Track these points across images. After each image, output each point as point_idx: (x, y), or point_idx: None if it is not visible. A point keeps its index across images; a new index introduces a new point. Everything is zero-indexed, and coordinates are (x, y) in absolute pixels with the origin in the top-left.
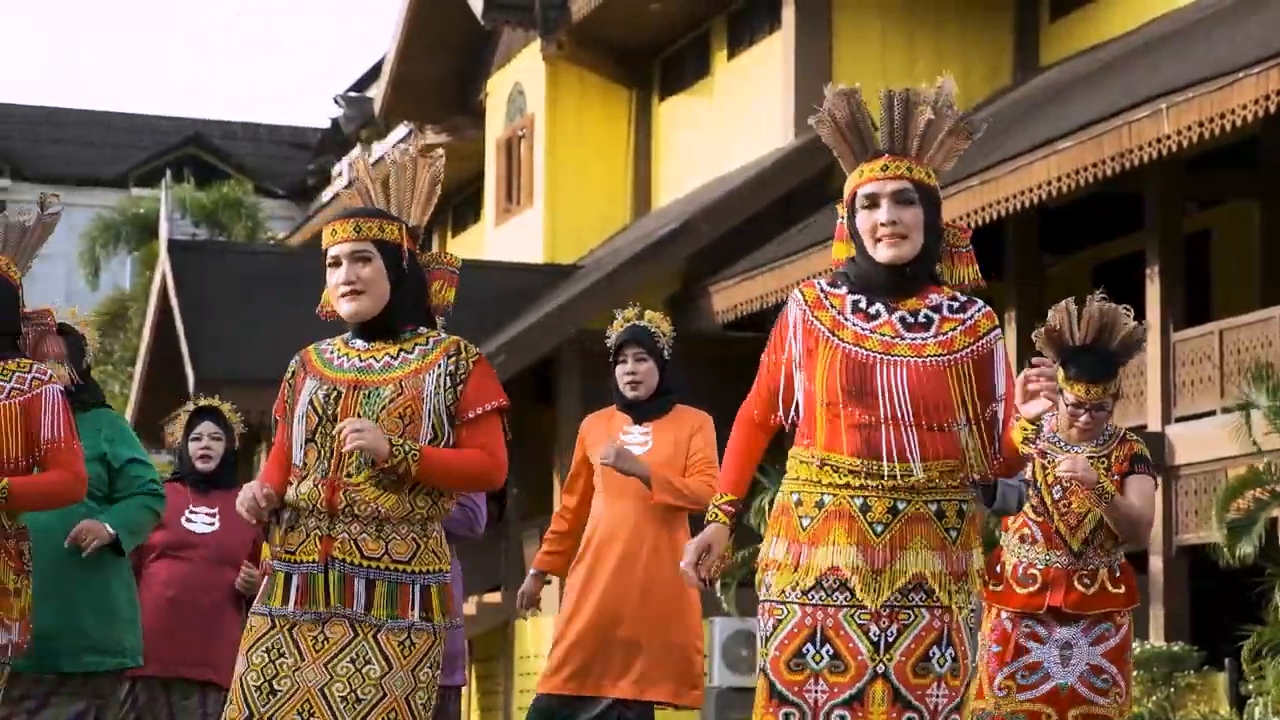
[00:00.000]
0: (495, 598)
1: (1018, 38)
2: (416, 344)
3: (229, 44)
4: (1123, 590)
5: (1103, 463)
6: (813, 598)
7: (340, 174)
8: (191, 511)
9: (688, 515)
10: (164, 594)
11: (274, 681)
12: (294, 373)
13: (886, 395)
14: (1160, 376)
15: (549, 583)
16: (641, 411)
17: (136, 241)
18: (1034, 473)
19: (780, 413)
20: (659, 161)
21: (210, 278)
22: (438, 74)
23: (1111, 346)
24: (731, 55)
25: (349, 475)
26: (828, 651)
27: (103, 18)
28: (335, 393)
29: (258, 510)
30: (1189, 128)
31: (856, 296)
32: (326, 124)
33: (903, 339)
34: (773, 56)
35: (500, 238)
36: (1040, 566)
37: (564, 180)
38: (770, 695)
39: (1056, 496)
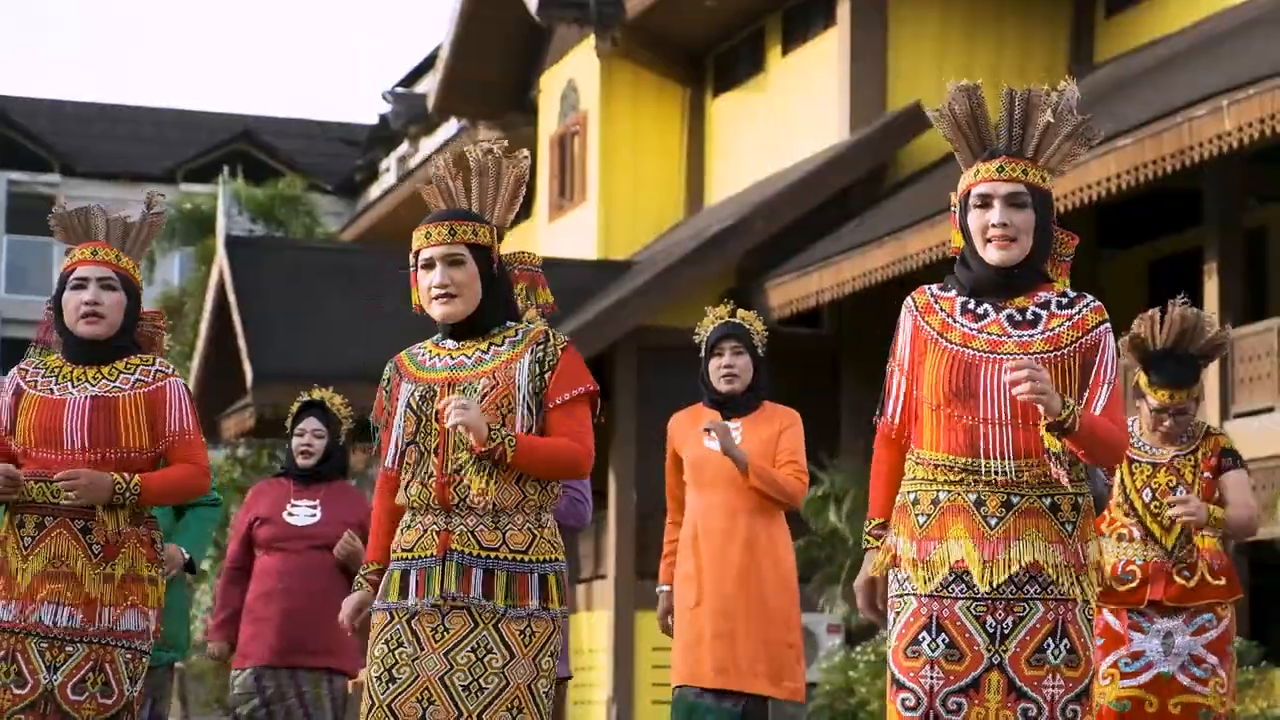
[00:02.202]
0: None
1: (1073, 33)
2: (506, 337)
3: (277, 40)
4: (1223, 582)
5: (1189, 460)
6: (930, 590)
7: (388, 169)
8: (293, 505)
9: (784, 511)
10: (275, 586)
11: (393, 670)
12: (389, 379)
13: (988, 393)
14: (1219, 372)
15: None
16: (732, 407)
17: (189, 237)
18: (1121, 478)
19: (901, 420)
20: (713, 158)
21: (267, 273)
22: (491, 70)
23: (1193, 350)
24: (786, 51)
25: (455, 469)
26: (943, 640)
27: (150, 13)
28: (431, 392)
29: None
30: (1250, 124)
31: (965, 298)
32: (375, 120)
33: (1010, 337)
34: (828, 53)
35: (554, 234)
36: (1139, 562)
37: (618, 177)
38: (891, 682)
39: (1147, 500)
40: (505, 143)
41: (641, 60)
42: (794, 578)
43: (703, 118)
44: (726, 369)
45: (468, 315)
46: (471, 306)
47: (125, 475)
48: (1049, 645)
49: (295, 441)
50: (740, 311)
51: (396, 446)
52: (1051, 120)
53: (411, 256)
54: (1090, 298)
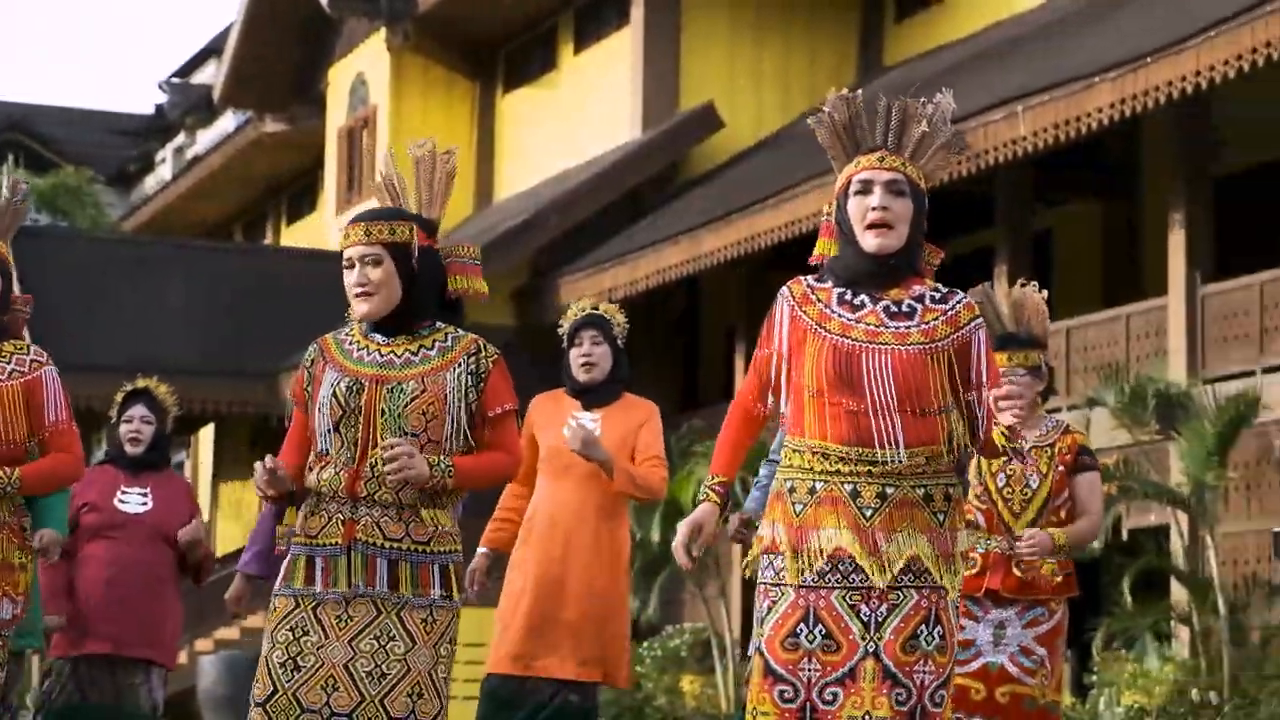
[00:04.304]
0: None
1: (862, 37)
2: (435, 340)
3: (48, 28)
4: (1060, 579)
5: (1046, 452)
6: (805, 580)
7: (164, 160)
8: (124, 493)
9: (629, 507)
10: (102, 574)
11: (298, 658)
12: (313, 360)
13: (872, 382)
14: None
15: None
16: (592, 397)
17: None
18: (978, 462)
19: (770, 403)
20: (502, 155)
21: (52, 265)
22: (278, 61)
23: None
24: (579, 49)
25: (372, 467)
26: (820, 631)
27: None
28: (358, 385)
29: (272, 481)
30: (1044, 129)
31: (842, 289)
32: (150, 110)
33: (887, 327)
34: (621, 52)
35: (341, 227)
36: (980, 550)
37: (406, 171)
38: (766, 673)
39: (1001, 484)
40: (434, 141)
41: (432, 55)
42: (628, 573)
43: (493, 114)
44: (585, 358)
45: (390, 312)
46: (391, 304)
47: (6, 470)
48: (922, 632)
49: (123, 429)
50: (602, 305)
51: (322, 434)
52: (927, 130)
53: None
54: (961, 294)
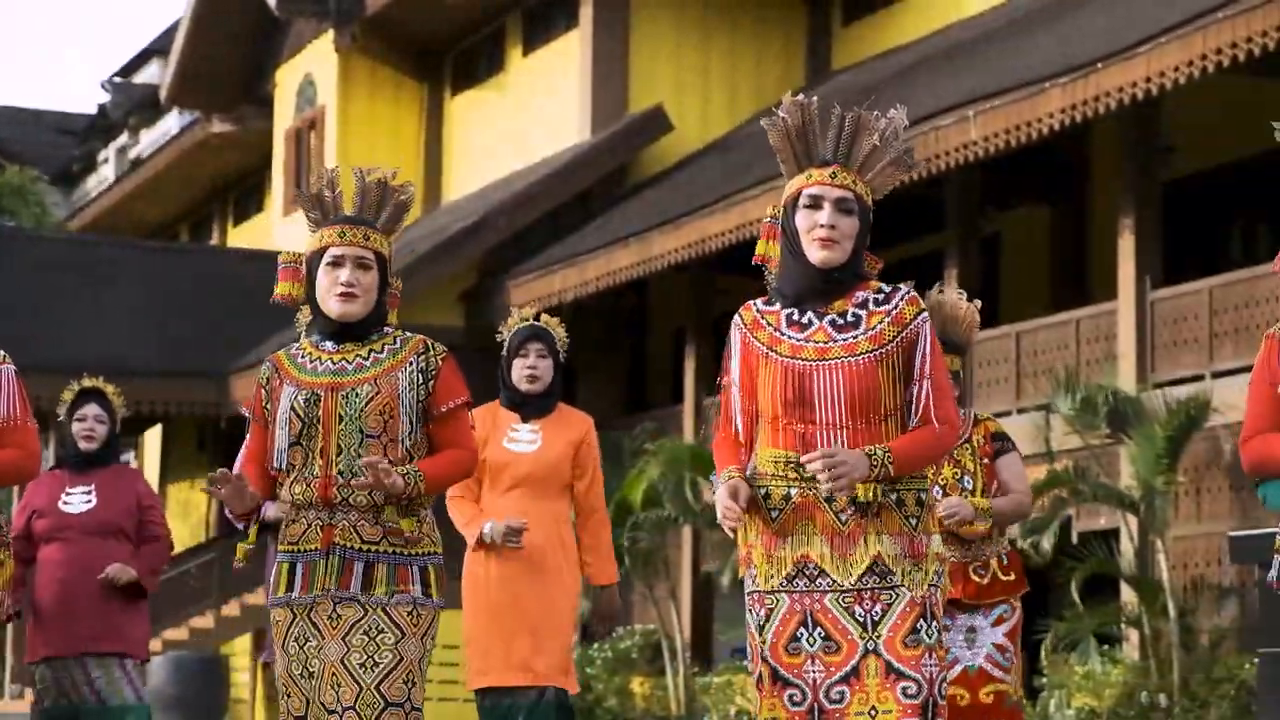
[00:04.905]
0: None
1: (810, 40)
2: (385, 344)
3: None
4: (1013, 577)
5: (966, 448)
6: (797, 585)
7: (107, 160)
8: (67, 494)
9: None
10: (55, 576)
11: (308, 665)
12: (268, 378)
13: (824, 400)
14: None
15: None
16: (531, 409)
17: None
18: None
19: (738, 430)
20: (450, 156)
21: (4, 265)
22: (226, 62)
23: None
24: (527, 51)
25: (339, 473)
26: (820, 634)
27: None
28: (314, 396)
29: (237, 494)
30: (995, 134)
31: (790, 310)
32: (93, 109)
33: (835, 341)
34: (570, 54)
35: (288, 229)
36: None
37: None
38: (773, 679)
39: (939, 496)
40: (386, 170)
41: (380, 56)
42: (579, 580)
43: (441, 115)
44: (530, 369)
45: (361, 318)
46: (367, 310)
47: None
48: (922, 626)
49: (76, 427)
50: (544, 316)
51: (283, 449)
52: (878, 144)
53: (310, 253)
54: (905, 289)
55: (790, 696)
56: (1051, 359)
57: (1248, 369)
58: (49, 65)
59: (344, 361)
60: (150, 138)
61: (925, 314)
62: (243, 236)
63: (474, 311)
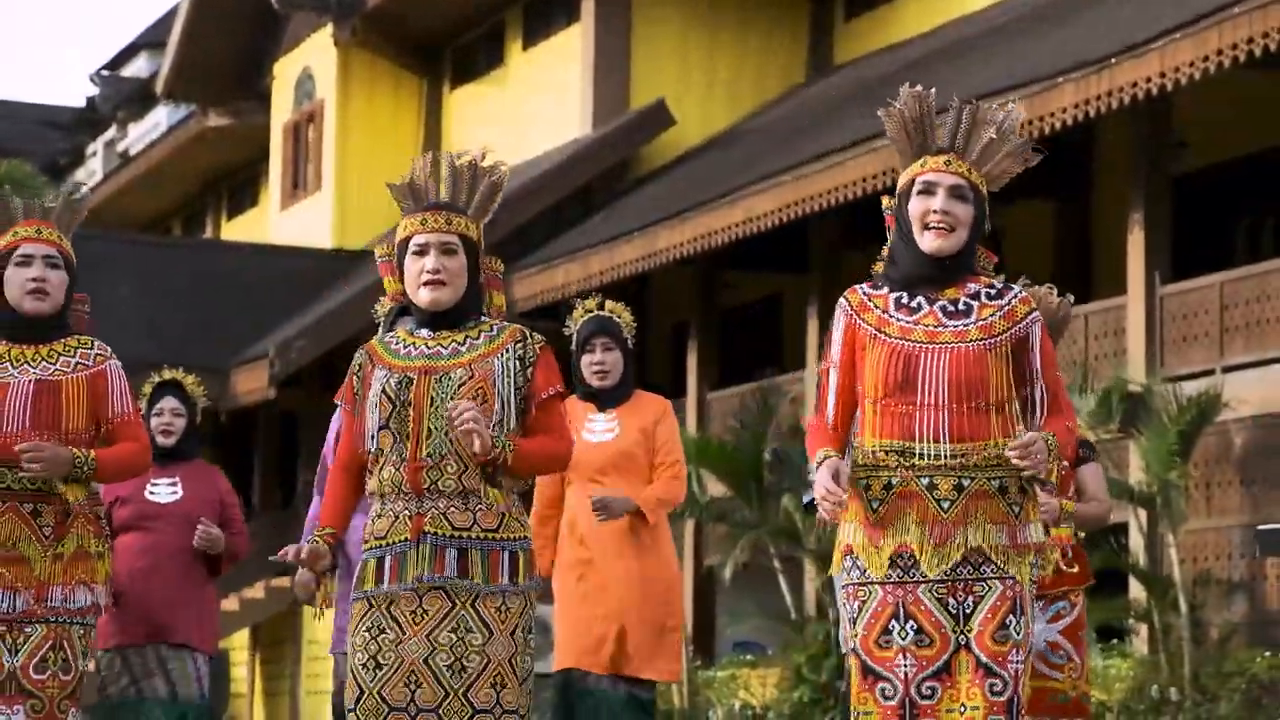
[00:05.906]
0: (284, 582)
1: (812, 35)
2: (482, 331)
3: None
4: (1076, 570)
5: None
6: (891, 577)
7: (95, 154)
8: (153, 483)
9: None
10: (138, 565)
11: (378, 657)
12: (361, 365)
13: (929, 382)
14: None
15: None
16: (606, 399)
17: None
18: None
19: (830, 416)
20: (449, 150)
21: None
22: (223, 55)
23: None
24: (527, 46)
25: (428, 456)
26: (912, 627)
27: None
28: (407, 379)
29: (314, 560)
30: None
31: (898, 294)
32: (82, 103)
33: (945, 327)
34: (571, 49)
35: (285, 222)
36: None
37: (353, 167)
38: (865, 672)
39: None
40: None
41: (379, 50)
42: (676, 565)
43: (440, 110)
44: (598, 365)
45: (453, 305)
46: (457, 296)
47: (83, 450)
48: (1011, 622)
49: (154, 421)
50: (608, 304)
51: (372, 433)
52: (995, 137)
53: (397, 244)
54: (1017, 288)
55: (882, 690)
56: (1059, 354)
57: (1259, 363)
58: (36, 58)
59: (439, 347)
60: (138, 131)
61: (1037, 314)
62: (236, 231)
63: None
